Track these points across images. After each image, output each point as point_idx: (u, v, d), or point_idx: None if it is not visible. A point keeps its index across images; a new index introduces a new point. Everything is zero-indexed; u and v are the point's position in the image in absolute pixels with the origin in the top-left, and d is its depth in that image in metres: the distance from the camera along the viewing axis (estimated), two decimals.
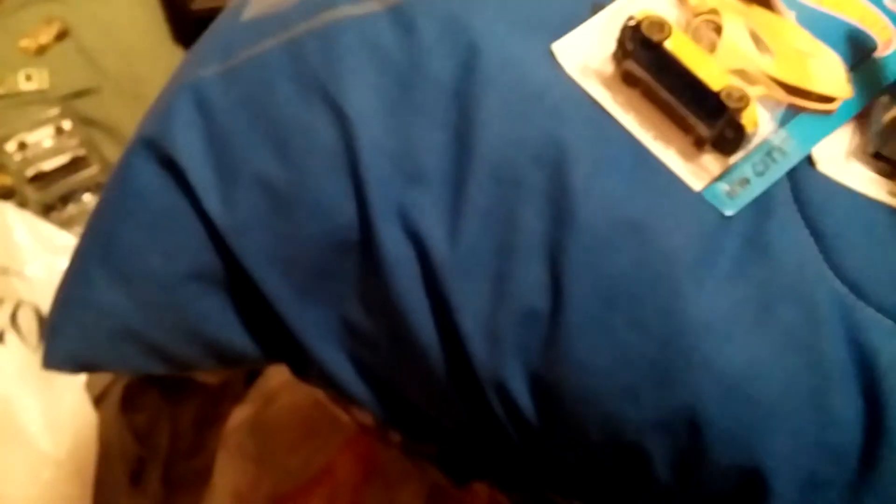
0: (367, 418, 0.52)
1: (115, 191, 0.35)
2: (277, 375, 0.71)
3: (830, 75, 0.31)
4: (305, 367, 0.38)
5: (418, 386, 0.34)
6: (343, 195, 0.31)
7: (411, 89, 0.31)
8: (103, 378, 0.70)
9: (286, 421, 0.68)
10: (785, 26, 0.32)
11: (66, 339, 0.36)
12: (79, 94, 0.80)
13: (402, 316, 0.32)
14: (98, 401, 0.69)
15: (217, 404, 0.76)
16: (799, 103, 0.31)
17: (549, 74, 0.31)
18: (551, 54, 0.31)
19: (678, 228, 0.29)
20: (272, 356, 0.38)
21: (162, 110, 0.34)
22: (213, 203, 0.33)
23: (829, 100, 0.31)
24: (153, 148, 0.34)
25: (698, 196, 0.29)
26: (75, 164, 0.77)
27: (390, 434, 0.51)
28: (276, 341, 0.37)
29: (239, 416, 0.67)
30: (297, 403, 0.68)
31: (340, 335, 0.35)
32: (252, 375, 0.75)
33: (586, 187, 0.29)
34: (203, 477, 0.69)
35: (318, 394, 0.57)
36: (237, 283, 0.35)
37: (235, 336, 0.36)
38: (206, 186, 0.33)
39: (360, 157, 0.31)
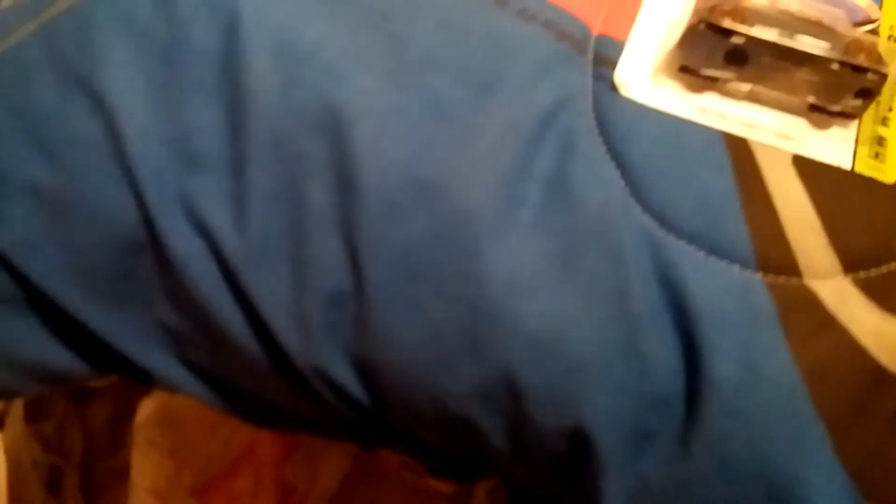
0: None
1: None
2: None
3: None
4: (146, 377, 0.36)
5: (250, 380, 0.32)
6: (119, 193, 0.28)
7: (175, 64, 0.28)
8: None
9: (197, 407, 0.66)
10: None
11: None
12: None
13: (208, 313, 0.29)
14: (2, 416, 0.67)
15: (131, 398, 0.73)
16: None
17: (321, 32, 0.28)
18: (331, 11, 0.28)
19: (473, 182, 0.26)
20: (106, 369, 0.35)
21: None
22: None
23: None
24: None
25: (494, 143, 0.27)
26: None
27: None
28: (107, 355, 0.34)
29: (146, 409, 0.65)
30: None
31: (162, 339, 0.32)
32: None
33: (368, 151, 0.27)
34: (125, 474, 0.68)
35: None
36: (44, 300, 0.32)
37: (53, 355, 0.33)
38: None
39: (127, 147, 0.28)
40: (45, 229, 0.30)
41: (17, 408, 0.69)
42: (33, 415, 0.69)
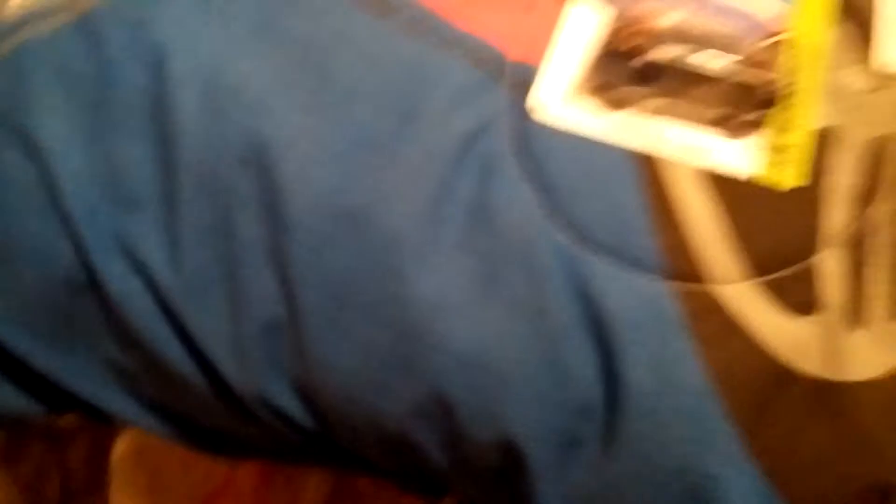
0: None
1: None
2: None
3: None
4: (100, 414, 0.37)
5: (199, 411, 0.33)
6: (56, 235, 0.29)
7: (105, 106, 0.29)
8: None
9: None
10: None
11: None
12: None
13: (151, 348, 0.30)
14: None
15: (109, 436, 0.74)
16: None
17: (248, 67, 0.29)
18: (257, 47, 0.29)
19: (396, 208, 0.27)
20: (60, 408, 0.36)
21: None
22: None
23: None
24: None
25: (417, 169, 0.28)
26: None
27: None
28: (60, 395, 0.35)
29: (121, 447, 0.65)
30: None
31: (110, 376, 0.33)
32: None
33: (296, 183, 0.28)
34: None
35: None
36: None
37: (6, 397, 0.34)
38: None
39: (61, 190, 0.29)
40: None
41: None
42: (10, 456, 0.69)
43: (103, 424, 0.72)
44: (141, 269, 0.29)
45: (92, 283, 0.30)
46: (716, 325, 0.25)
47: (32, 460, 0.70)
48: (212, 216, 0.28)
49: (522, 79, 0.30)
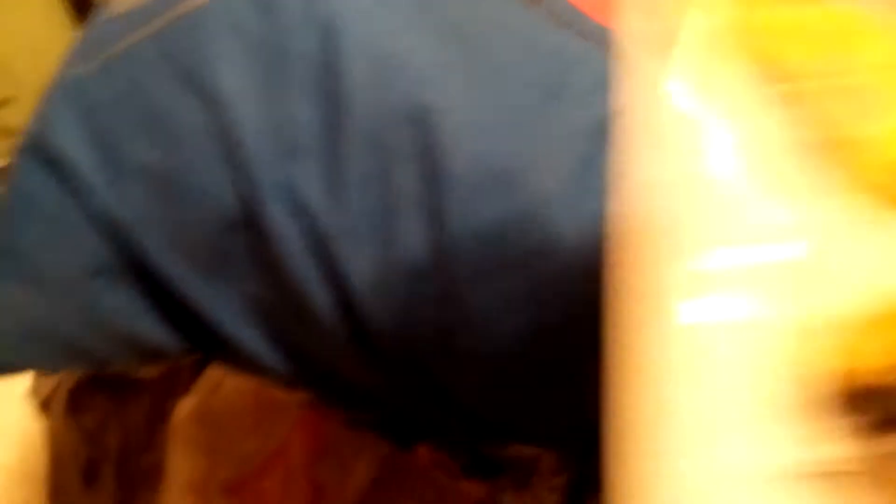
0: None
1: (9, 195, 0.35)
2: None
3: None
4: (225, 352, 0.39)
5: (326, 351, 0.36)
6: (225, 177, 0.32)
7: (279, 68, 0.32)
8: (49, 383, 0.70)
9: (234, 407, 0.69)
10: None
11: None
12: None
13: (296, 287, 0.33)
14: (45, 405, 0.69)
15: (168, 398, 0.76)
16: None
17: (412, 44, 0.32)
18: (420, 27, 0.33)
19: (544, 174, 0.30)
20: (193, 345, 0.39)
21: (44, 111, 0.35)
22: (104, 197, 0.34)
23: None
24: (39, 149, 0.34)
25: (560, 142, 0.31)
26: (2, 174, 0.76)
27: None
28: (194, 329, 0.37)
29: (185, 407, 0.67)
30: (242, 388, 0.68)
31: (248, 311, 0.35)
32: (201, 365, 0.75)
33: (453, 143, 0.30)
34: (159, 471, 0.70)
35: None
36: (144, 274, 0.36)
37: (149, 327, 0.37)
38: (96, 181, 0.34)
39: (237, 138, 0.32)
40: (158, 207, 0.33)
41: (60, 396, 0.71)
42: (75, 406, 0.72)
43: (175, 385, 0.74)
44: (301, 211, 0.32)
45: (250, 222, 0.33)
46: None
47: (96, 412, 0.73)
48: (372, 168, 0.31)
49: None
